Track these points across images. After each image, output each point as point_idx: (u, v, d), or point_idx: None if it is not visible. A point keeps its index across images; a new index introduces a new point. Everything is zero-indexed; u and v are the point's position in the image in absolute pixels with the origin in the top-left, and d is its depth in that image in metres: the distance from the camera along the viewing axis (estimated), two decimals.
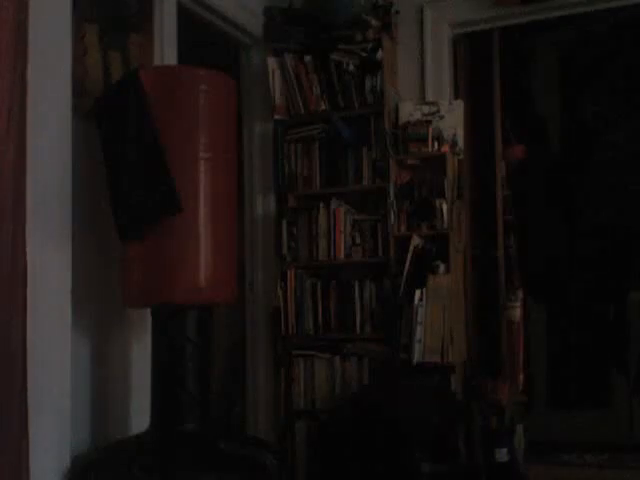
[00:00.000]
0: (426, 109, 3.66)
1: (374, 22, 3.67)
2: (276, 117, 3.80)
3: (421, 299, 3.40)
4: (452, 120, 3.62)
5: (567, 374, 4.80)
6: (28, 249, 2.22)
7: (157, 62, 3.07)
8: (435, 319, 3.38)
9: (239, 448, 2.60)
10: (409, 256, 3.46)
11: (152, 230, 2.45)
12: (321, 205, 3.69)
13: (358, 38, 3.66)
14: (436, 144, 3.58)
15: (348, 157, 3.70)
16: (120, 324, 2.85)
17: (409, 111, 3.67)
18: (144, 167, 2.44)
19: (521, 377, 3.93)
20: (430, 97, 3.76)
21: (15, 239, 2.19)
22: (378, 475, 2.91)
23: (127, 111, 2.47)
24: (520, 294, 3.97)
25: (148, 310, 2.64)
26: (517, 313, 3.94)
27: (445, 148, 3.56)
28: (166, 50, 3.13)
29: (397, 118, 3.69)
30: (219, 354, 4.29)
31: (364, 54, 3.63)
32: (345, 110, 3.70)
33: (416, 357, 3.37)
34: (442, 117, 3.62)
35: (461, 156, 3.66)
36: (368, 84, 3.63)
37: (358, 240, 3.65)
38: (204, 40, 3.78)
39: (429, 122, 3.60)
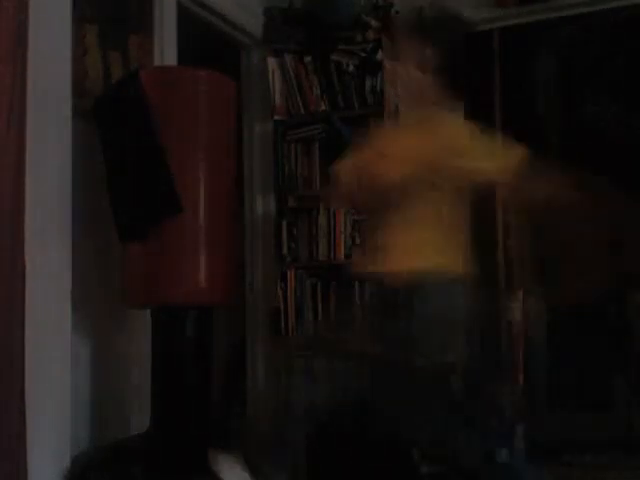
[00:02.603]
0: None
1: (374, 23, 3.67)
2: (276, 117, 3.80)
3: None
4: None
5: (567, 374, 4.79)
6: (28, 249, 2.22)
7: (157, 62, 3.07)
8: None
9: None
10: None
11: (152, 230, 2.45)
12: (321, 205, 3.69)
13: (358, 39, 3.66)
14: None
15: None
16: (120, 324, 2.85)
17: None
18: (144, 167, 2.44)
19: (521, 377, 3.93)
20: None
21: (15, 239, 2.19)
22: (378, 475, 2.91)
23: (127, 111, 2.48)
24: (520, 294, 3.97)
25: (148, 310, 2.64)
26: (517, 313, 3.94)
27: None
28: (166, 50, 3.13)
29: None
30: (219, 354, 4.28)
31: (364, 54, 3.63)
32: (345, 110, 3.69)
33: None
34: None
35: None
36: (368, 84, 3.62)
37: (358, 240, 3.65)
38: (204, 40, 3.78)
39: None
